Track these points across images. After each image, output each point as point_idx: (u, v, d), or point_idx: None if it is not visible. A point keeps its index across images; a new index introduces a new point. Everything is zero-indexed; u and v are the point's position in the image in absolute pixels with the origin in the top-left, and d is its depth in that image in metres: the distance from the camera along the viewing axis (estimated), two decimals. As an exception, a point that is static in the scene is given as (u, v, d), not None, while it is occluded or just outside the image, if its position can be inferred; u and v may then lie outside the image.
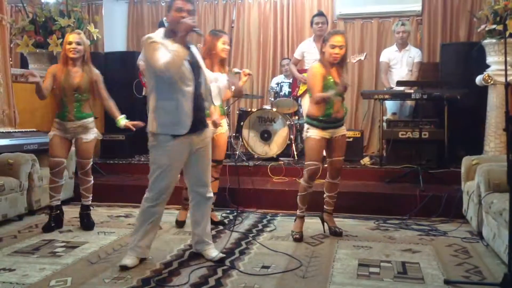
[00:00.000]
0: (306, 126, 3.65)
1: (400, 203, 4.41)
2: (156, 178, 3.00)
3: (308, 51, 5.62)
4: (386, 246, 3.49)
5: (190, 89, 2.89)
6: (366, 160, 5.53)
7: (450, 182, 4.66)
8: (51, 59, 5.91)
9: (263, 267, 3.05)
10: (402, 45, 5.83)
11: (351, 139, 5.73)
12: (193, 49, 3.05)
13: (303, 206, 3.71)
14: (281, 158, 5.81)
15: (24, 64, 6.35)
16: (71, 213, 4.43)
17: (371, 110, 6.93)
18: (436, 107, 5.57)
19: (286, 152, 5.90)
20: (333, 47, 3.49)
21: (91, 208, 4.13)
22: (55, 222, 3.96)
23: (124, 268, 2.97)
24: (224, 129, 4.00)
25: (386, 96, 5.43)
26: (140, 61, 5.95)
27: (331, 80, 3.52)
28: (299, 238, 3.62)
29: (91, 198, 4.07)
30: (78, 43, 3.83)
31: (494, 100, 5.03)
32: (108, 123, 6.59)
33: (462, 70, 5.57)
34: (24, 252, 3.37)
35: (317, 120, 3.57)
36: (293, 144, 5.90)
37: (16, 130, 4.83)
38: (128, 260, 3.02)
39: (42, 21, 5.71)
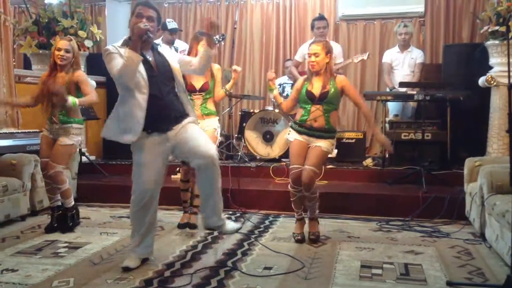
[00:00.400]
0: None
1: (403, 204, 4.41)
2: (136, 178, 3.01)
3: (309, 53, 5.61)
4: (388, 248, 3.48)
5: (144, 96, 2.87)
6: (368, 161, 5.53)
7: (452, 184, 4.65)
8: (54, 60, 5.93)
9: (265, 268, 3.05)
10: (404, 46, 5.82)
11: (353, 140, 5.73)
12: (163, 49, 3.06)
13: (298, 210, 3.69)
14: (284, 159, 5.80)
15: (27, 65, 6.36)
16: (74, 213, 4.44)
17: (373, 111, 6.90)
18: (439, 108, 5.56)
19: (288, 153, 5.88)
20: (309, 55, 3.56)
21: (69, 211, 3.96)
22: (58, 222, 3.96)
23: (126, 269, 2.97)
24: (210, 129, 3.87)
25: (389, 97, 5.43)
26: None
27: (304, 90, 3.57)
28: (300, 239, 3.61)
29: (69, 202, 3.92)
30: (67, 51, 3.82)
31: (497, 102, 5.02)
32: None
33: (465, 71, 5.55)
34: (27, 252, 3.38)
35: (294, 123, 3.65)
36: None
37: (19, 131, 4.84)
38: (130, 262, 3.02)
39: (45, 22, 5.72)
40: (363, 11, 7.00)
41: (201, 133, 3.04)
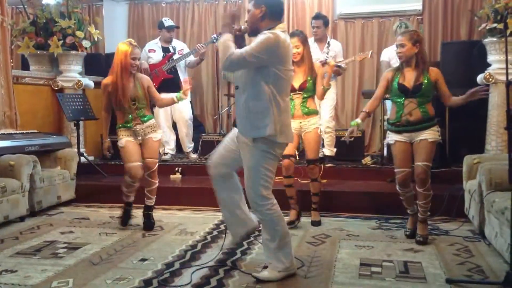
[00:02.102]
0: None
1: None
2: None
3: (309, 51, 5.60)
4: (388, 246, 3.49)
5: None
6: (367, 160, 5.52)
7: (451, 181, 4.64)
8: (51, 61, 5.92)
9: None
10: (403, 45, 5.80)
11: (352, 139, 5.72)
12: None
13: (409, 207, 3.72)
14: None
15: (25, 65, 6.36)
16: (72, 214, 4.44)
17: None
18: (437, 106, 5.54)
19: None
20: (397, 46, 3.61)
21: (154, 208, 4.12)
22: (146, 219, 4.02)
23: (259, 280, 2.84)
24: (311, 129, 3.98)
25: (387, 96, 5.41)
26: (142, 61, 5.94)
27: (395, 83, 3.57)
28: (408, 235, 3.66)
29: (154, 200, 4.04)
30: (139, 59, 3.96)
31: (496, 99, 5.02)
32: (111, 125, 6.59)
33: (463, 69, 5.54)
34: (26, 253, 3.37)
35: (390, 124, 3.60)
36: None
37: (17, 132, 4.84)
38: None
39: (43, 22, 5.72)
40: (361, 9, 6.98)
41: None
